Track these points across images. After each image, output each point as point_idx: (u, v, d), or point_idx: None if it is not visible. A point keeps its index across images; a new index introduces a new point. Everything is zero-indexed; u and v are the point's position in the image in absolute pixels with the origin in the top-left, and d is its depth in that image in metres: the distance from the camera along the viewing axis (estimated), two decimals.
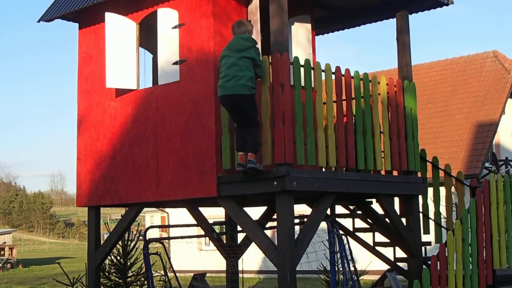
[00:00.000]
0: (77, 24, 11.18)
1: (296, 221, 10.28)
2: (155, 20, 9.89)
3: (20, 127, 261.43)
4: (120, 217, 10.97)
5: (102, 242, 10.98)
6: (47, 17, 11.09)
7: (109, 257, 12.83)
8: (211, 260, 29.96)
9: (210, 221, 11.84)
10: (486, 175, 27.20)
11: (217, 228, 16.25)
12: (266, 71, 8.60)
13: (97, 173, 10.55)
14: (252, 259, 21.98)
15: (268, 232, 11.59)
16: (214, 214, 16.58)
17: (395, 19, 10.95)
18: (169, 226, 11.84)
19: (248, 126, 8.48)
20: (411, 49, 10.82)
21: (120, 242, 13.11)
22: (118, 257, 13.28)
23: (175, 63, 9.55)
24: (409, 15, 11.04)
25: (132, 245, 13.48)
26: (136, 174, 9.94)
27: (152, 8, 10.01)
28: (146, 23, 10.35)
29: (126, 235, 13.23)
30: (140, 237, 12.59)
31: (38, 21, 11.28)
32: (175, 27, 9.60)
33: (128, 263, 13.39)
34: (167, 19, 9.69)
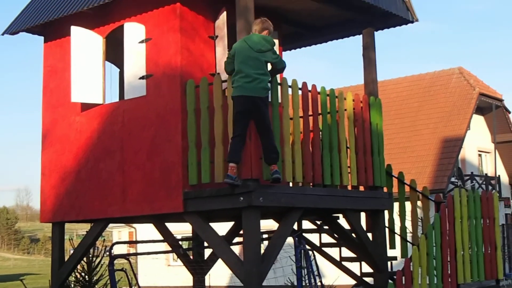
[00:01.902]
0: (42, 38, 11.09)
1: (265, 236, 10.28)
2: (122, 34, 9.85)
3: None
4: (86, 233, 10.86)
5: (66, 258, 10.85)
6: (12, 30, 11.00)
7: (73, 274, 12.67)
8: (179, 276, 29.81)
9: (178, 237, 11.78)
10: (452, 190, 27.43)
11: (185, 244, 16.16)
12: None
13: (61, 188, 10.45)
14: (220, 275, 21.92)
15: (236, 247, 11.54)
16: (182, 229, 16.50)
17: (361, 35, 11.05)
18: (134, 242, 11.78)
19: (265, 132, 8.31)
20: (378, 65, 10.93)
21: (85, 258, 12.95)
22: (83, 274, 13.12)
23: (142, 77, 9.51)
24: (376, 32, 11.16)
25: (97, 261, 13.34)
26: (102, 189, 9.85)
27: (118, 22, 9.98)
28: (113, 37, 10.31)
29: (92, 251, 13.08)
30: (106, 253, 12.47)
31: (3, 34, 11.20)
32: (142, 42, 9.57)
33: (93, 280, 13.23)
34: (134, 33, 9.66)
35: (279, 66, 8.58)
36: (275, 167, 8.33)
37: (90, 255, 13.21)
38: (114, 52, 10.74)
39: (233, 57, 8.42)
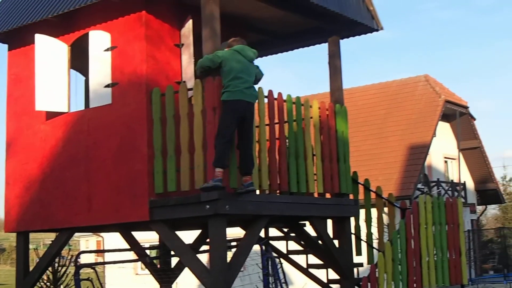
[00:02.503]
0: (6, 46, 11.00)
1: (232, 244, 10.27)
2: (87, 42, 9.80)
3: None
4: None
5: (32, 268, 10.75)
6: None
7: (39, 284, 12.53)
8: (147, 284, 29.53)
9: (146, 245, 11.72)
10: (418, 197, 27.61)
11: (152, 252, 16.09)
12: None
13: (26, 197, 10.34)
14: (187, 283, 21.81)
15: (203, 256, 11.51)
16: (150, 238, 16.42)
17: (327, 43, 11.12)
18: (101, 251, 11.69)
19: (249, 141, 8.50)
20: (345, 73, 11.13)
21: (50, 268, 12.83)
22: (48, 284, 12.99)
23: (107, 85, 9.47)
24: (341, 40, 11.24)
25: (63, 270, 13.21)
26: (67, 198, 9.78)
27: (83, 30, 9.92)
28: (78, 45, 10.24)
29: (58, 260, 12.95)
30: (72, 263, 12.36)
31: None
32: (107, 50, 9.53)
33: None
34: (99, 41, 9.62)
35: (259, 76, 8.78)
36: (250, 178, 8.42)
37: (56, 265, 13.09)
38: (79, 60, 10.67)
39: (219, 64, 8.43)
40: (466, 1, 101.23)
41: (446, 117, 32.80)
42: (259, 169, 8.94)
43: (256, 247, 9.20)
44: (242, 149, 8.46)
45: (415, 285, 10.51)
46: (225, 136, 8.21)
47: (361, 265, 11.05)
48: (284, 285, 9.64)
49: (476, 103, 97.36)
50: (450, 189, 30.91)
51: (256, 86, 8.69)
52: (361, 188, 11.22)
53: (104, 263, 11.35)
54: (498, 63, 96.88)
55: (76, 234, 10.77)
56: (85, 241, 75.03)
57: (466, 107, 32.70)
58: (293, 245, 11.74)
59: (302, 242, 11.23)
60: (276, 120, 9.49)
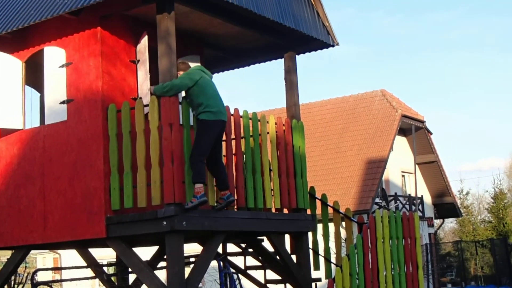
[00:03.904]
0: None
1: (189, 260, 10.24)
2: (42, 59, 9.73)
3: None
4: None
5: None
6: None
7: None
8: None
9: (103, 262, 11.61)
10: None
11: (110, 269, 15.95)
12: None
13: None
14: None
15: (161, 272, 11.45)
16: (107, 254, 16.28)
17: (283, 59, 11.18)
18: (58, 268, 11.60)
19: (221, 156, 8.92)
20: (303, 88, 11.17)
21: (6, 286, 12.64)
22: None
23: (63, 102, 9.40)
24: (297, 55, 11.31)
25: None
26: (22, 216, 9.66)
27: (38, 47, 9.85)
28: (33, 61, 10.17)
29: (14, 278, 12.77)
30: (29, 280, 12.22)
31: None
32: (62, 66, 9.47)
33: None
34: (54, 57, 9.55)
35: None
36: (228, 191, 8.78)
37: (12, 283, 12.91)
38: (34, 76, 10.59)
39: (195, 83, 8.68)
40: (421, 17, 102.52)
41: (403, 131, 33.17)
42: (215, 185, 8.94)
43: (214, 263, 9.19)
44: (218, 166, 8.81)
45: None
46: (205, 153, 8.54)
47: (319, 280, 11.07)
48: None
49: (432, 118, 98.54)
50: (407, 203, 31.20)
51: None
52: (318, 203, 11.28)
53: (61, 280, 11.23)
54: (454, 78, 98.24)
55: (33, 251, 10.64)
56: (42, 258, 73.94)
57: (423, 122, 33.10)
58: (251, 261, 11.75)
59: (260, 258, 11.24)
60: (233, 136, 9.51)
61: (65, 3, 8.99)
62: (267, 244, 10.54)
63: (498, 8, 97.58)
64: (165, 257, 8.68)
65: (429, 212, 35.79)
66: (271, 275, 11.25)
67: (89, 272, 11.56)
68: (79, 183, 9.06)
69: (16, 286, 13.04)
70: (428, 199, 35.73)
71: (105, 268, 11.87)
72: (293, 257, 10.62)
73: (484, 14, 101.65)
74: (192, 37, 10.73)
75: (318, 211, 11.07)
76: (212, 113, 8.58)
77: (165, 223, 8.24)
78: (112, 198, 8.77)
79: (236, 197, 9.25)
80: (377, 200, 28.77)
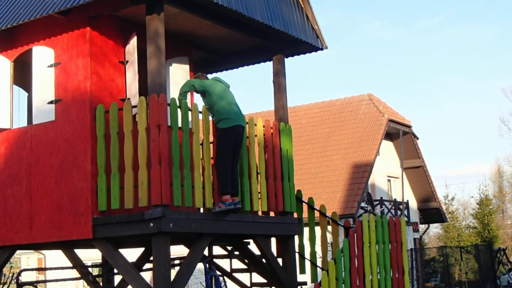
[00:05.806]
0: None
1: (175, 262, 10.22)
2: (30, 58, 9.69)
3: None
4: None
5: None
6: None
7: None
8: None
9: (89, 263, 11.57)
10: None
11: (95, 270, 15.89)
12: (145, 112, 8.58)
13: None
14: None
15: (147, 274, 11.43)
16: (92, 255, 16.22)
17: (272, 62, 11.18)
18: (43, 269, 11.52)
19: (237, 162, 9.19)
20: (290, 91, 11.17)
21: None
22: None
23: (51, 102, 9.37)
24: (286, 58, 11.32)
25: None
26: (8, 216, 9.62)
27: (27, 46, 9.81)
28: (21, 60, 10.13)
29: None
30: (14, 280, 12.16)
31: None
32: (50, 66, 9.44)
33: None
34: (42, 57, 9.52)
35: None
36: (237, 198, 9.06)
37: None
38: (22, 76, 10.55)
39: (205, 89, 9.12)
40: (407, 22, 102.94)
41: (389, 136, 33.26)
42: (203, 187, 8.93)
43: (200, 265, 9.17)
44: (233, 172, 9.10)
45: None
46: (227, 160, 8.96)
47: (305, 283, 11.08)
48: None
49: (418, 122, 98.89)
50: (393, 208, 31.27)
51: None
52: (305, 207, 11.28)
53: (46, 281, 11.17)
54: (439, 83, 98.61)
55: (17, 251, 10.57)
56: (26, 259, 73.47)
57: (409, 126, 33.20)
58: (237, 264, 11.73)
59: (246, 261, 11.23)
60: None
61: (54, 3, 8.96)
62: (253, 247, 10.54)
63: (482, 14, 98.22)
64: (151, 258, 8.67)
65: (415, 217, 35.88)
66: (257, 278, 11.24)
67: (74, 273, 11.49)
68: (66, 183, 9.03)
69: (1, 286, 12.98)
70: (413, 204, 35.83)
71: (90, 269, 11.80)
72: (279, 260, 10.62)
73: (469, 20, 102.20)
74: (181, 39, 10.72)
75: (305, 214, 11.07)
76: (227, 120, 8.98)
77: (152, 224, 8.22)
78: (99, 199, 8.74)
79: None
80: (362, 204, 28.82)
